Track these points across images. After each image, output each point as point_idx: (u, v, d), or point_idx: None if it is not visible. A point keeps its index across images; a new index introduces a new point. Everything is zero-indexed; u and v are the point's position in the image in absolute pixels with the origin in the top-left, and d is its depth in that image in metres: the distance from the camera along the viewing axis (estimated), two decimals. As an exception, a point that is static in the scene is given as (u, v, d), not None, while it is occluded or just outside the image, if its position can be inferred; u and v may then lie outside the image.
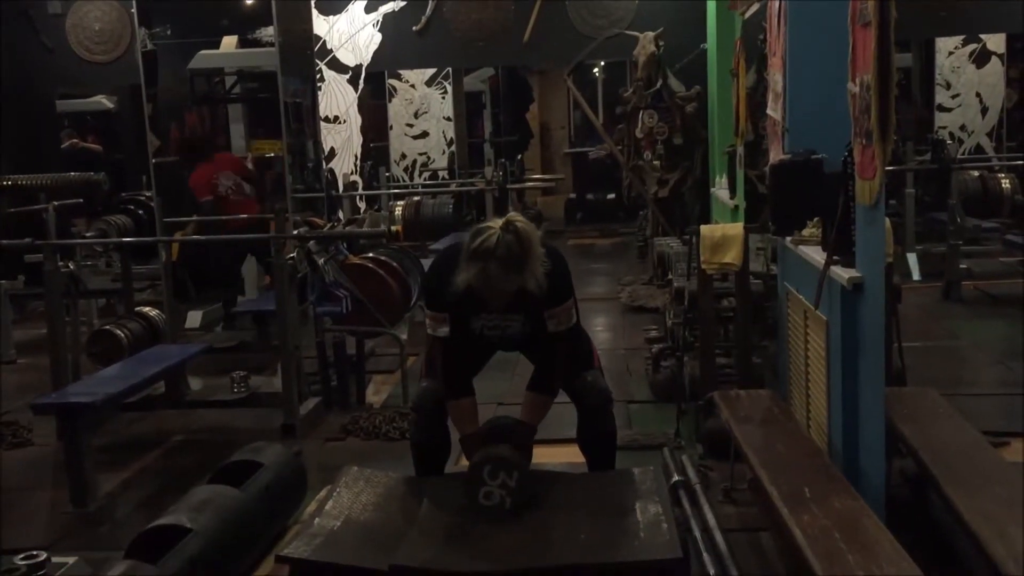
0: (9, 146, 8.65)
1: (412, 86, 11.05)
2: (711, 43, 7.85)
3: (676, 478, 3.42)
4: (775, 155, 3.99)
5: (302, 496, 3.64)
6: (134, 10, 7.02)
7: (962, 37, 9.57)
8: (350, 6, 9.42)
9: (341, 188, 8.70)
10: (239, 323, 6.84)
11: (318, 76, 8.54)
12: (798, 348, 3.70)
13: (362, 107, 9.55)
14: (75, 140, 11.07)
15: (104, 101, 12.47)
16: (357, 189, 9.21)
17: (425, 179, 10.96)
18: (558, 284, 3.14)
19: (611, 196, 12.17)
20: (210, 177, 6.74)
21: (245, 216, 6.68)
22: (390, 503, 3.12)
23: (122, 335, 5.26)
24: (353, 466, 3.39)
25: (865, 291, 2.87)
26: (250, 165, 7.43)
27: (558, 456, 3.91)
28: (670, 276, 5.48)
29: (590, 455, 3.39)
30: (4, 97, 9.04)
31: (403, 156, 11.14)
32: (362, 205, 9.27)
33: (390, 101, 11.06)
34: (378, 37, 9.50)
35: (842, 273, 2.94)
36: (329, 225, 6.16)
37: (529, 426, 3.22)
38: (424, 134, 11.13)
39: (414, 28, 9.44)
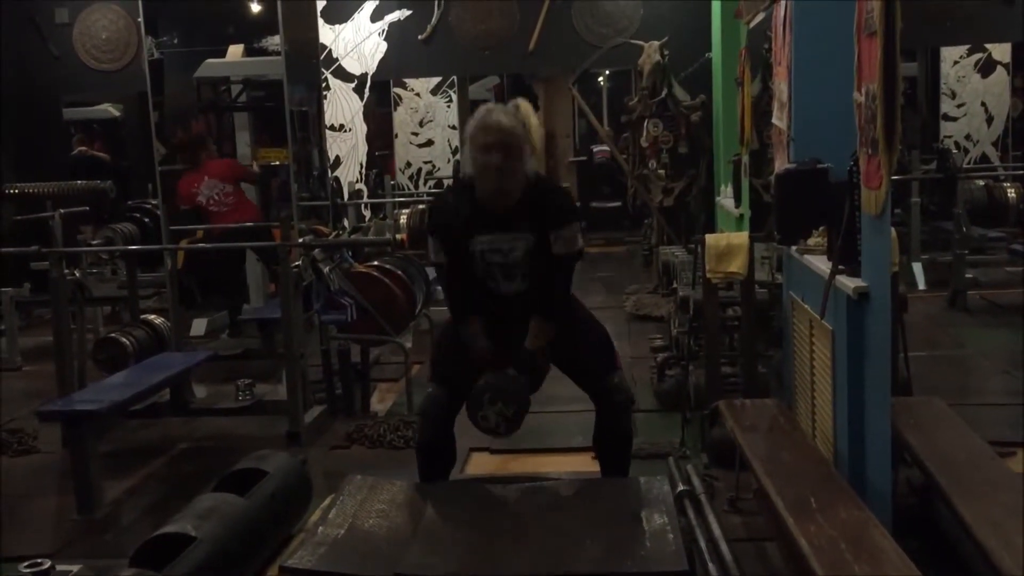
0: (16, 153, 8.67)
1: (417, 95, 11.07)
2: (716, 52, 7.86)
3: (681, 488, 3.41)
4: (780, 164, 3.99)
5: (307, 504, 3.64)
6: (141, 19, 7.06)
7: (967, 47, 9.58)
8: (356, 15, 9.44)
9: (346, 196, 8.72)
10: (244, 330, 6.84)
11: (324, 85, 8.56)
12: (803, 357, 3.69)
13: (367, 115, 9.57)
14: (83, 148, 11.11)
15: (110, 109, 12.52)
16: (362, 197, 9.23)
17: (430, 187, 10.97)
18: (562, 203, 3.23)
19: (616, 204, 12.16)
20: (191, 186, 6.71)
21: (221, 226, 6.59)
22: (394, 512, 3.12)
23: (128, 342, 5.27)
24: (357, 475, 3.39)
25: (871, 301, 2.87)
26: (255, 167, 7.39)
27: (566, 465, 3.91)
28: (675, 285, 5.48)
29: (606, 457, 3.42)
30: (11, 104, 9.07)
31: (408, 164, 11.15)
32: (367, 213, 9.29)
33: (395, 109, 11.08)
34: (384, 46, 9.52)
35: (848, 283, 2.94)
36: (334, 233, 6.17)
37: (532, 352, 3.25)
38: (429, 142, 11.15)
39: (419, 37, 9.46)
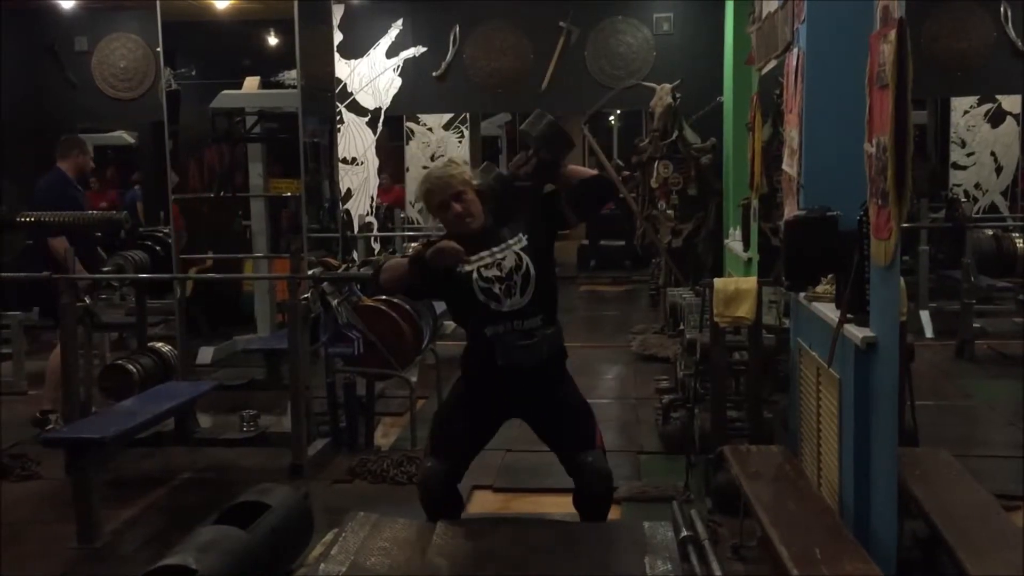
0: (32, 178, 8.75)
1: (430, 129, 11.16)
2: (727, 96, 7.93)
3: (685, 533, 3.39)
4: (790, 211, 4.00)
5: (308, 539, 3.62)
6: (160, 50, 7.15)
7: (977, 97, 9.64)
8: (372, 51, 9.56)
9: (356, 229, 8.76)
10: (250, 360, 6.86)
11: (338, 118, 8.64)
12: (810, 404, 3.68)
13: (380, 149, 9.65)
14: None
15: (125, 136, 12.65)
16: (372, 230, 9.27)
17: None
18: (542, 173, 3.24)
19: (622, 244, 12.18)
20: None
21: None
22: (396, 550, 3.10)
23: (134, 370, 5.27)
24: (360, 511, 3.37)
25: (879, 351, 2.87)
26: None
27: (568, 506, 3.87)
28: (682, 327, 5.47)
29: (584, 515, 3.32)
30: (27, 131, 9.17)
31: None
32: (376, 246, 9.33)
33: (407, 143, 11.16)
34: (398, 81, 9.63)
35: (856, 332, 2.94)
36: (344, 266, 6.19)
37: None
38: (440, 177, 11.21)
39: (434, 74, 9.57)
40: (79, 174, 5.74)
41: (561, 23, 9.51)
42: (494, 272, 3.15)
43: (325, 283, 5.13)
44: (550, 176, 3.27)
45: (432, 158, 11.19)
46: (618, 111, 13.37)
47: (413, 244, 9.15)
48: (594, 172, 3.33)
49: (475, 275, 3.15)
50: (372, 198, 9.61)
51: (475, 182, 3.24)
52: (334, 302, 5.08)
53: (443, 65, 9.60)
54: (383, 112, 9.72)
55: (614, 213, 11.47)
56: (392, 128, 10.67)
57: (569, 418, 3.27)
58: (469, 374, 3.35)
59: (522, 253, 3.17)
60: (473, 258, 3.16)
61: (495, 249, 3.18)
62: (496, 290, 3.15)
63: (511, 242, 3.19)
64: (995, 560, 2.64)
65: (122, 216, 4.78)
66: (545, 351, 3.19)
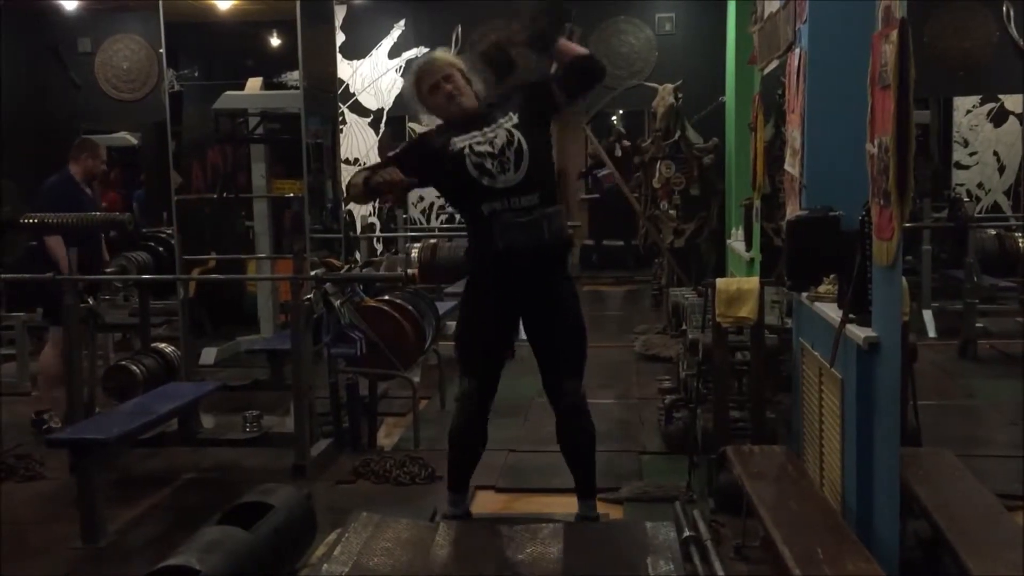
0: (34, 180, 8.76)
1: (432, 129, 11.15)
2: (730, 96, 7.92)
3: (687, 533, 3.39)
4: (792, 211, 4.01)
5: (311, 539, 3.62)
6: (163, 50, 7.17)
7: (980, 96, 9.63)
8: (374, 51, 9.57)
9: (359, 230, 8.77)
10: (253, 361, 6.86)
11: (340, 119, 8.65)
12: (812, 405, 3.68)
13: (382, 150, 9.66)
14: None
15: (128, 137, 12.66)
16: (375, 231, 9.28)
17: (442, 222, 11.02)
18: (536, 43, 3.32)
19: (625, 243, 12.17)
20: None
21: None
22: (399, 551, 3.11)
23: (138, 371, 5.28)
24: (363, 511, 3.38)
25: (881, 351, 2.87)
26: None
27: (571, 506, 3.88)
28: (684, 327, 5.47)
29: (567, 455, 3.54)
30: (30, 132, 9.19)
31: (420, 198, 11.22)
32: (379, 247, 9.33)
33: (410, 144, 11.17)
34: (400, 82, 9.63)
35: (858, 332, 2.94)
36: (346, 267, 6.20)
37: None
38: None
39: (436, 74, 9.53)
40: (87, 177, 5.74)
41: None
42: (486, 148, 3.23)
43: (328, 284, 5.13)
44: (545, 47, 3.31)
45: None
46: (620, 111, 13.36)
47: (416, 246, 9.23)
48: (586, 51, 3.37)
49: (467, 151, 3.23)
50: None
51: (465, 66, 3.36)
52: (337, 303, 5.09)
53: (445, 65, 9.60)
54: (385, 113, 9.74)
55: (618, 213, 11.47)
56: (394, 129, 10.68)
57: (563, 338, 3.39)
58: (473, 268, 3.45)
59: (513, 130, 3.25)
60: (464, 136, 3.25)
61: (486, 128, 3.26)
62: (488, 165, 3.21)
63: (502, 120, 3.27)
64: (998, 560, 2.64)
65: (125, 217, 4.78)
66: (545, 231, 3.22)
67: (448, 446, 3.57)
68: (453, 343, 3.70)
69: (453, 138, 3.28)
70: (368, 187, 3.24)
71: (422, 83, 3.34)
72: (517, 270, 3.26)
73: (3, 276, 6.18)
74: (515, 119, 3.26)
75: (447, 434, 3.60)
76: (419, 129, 11.09)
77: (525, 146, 3.21)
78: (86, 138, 5.95)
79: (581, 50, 3.37)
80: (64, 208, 5.26)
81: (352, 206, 8.84)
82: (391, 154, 3.43)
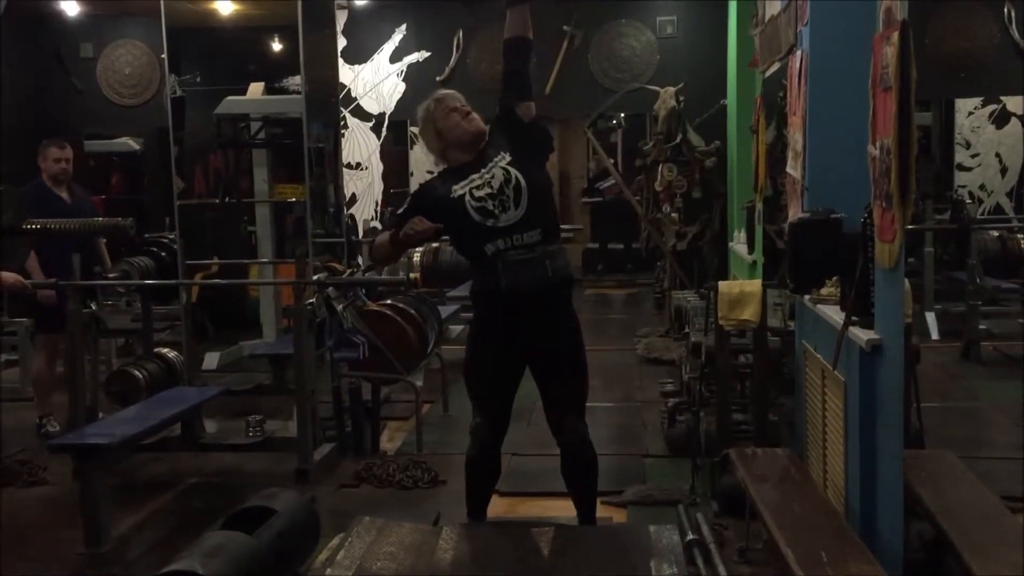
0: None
1: (434, 134, 11.16)
2: (731, 99, 7.93)
3: (691, 536, 3.39)
4: (794, 213, 4.00)
5: (314, 543, 3.62)
6: (165, 56, 7.18)
7: (982, 98, 9.63)
8: (376, 56, 9.58)
9: (361, 234, 8.77)
10: (256, 366, 6.86)
11: (342, 123, 8.66)
12: (815, 407, 3.68)
13: (384, 154, 9.67)
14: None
15: (130, 142, 12.67)
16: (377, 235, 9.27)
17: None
18: (519, 118, 3.44)
19: (627, 246, 12.18)
20: None
21: None
22: (402, 555, 3.11)
23: (140, 376, 5.29)
24: (366, 516, 3.38)
25: (884, 354, 2.87)
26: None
27: (574, 510, 3.88)
28: (687, 330, 5.47)
29: (571, 489, 3.58)
30: (32, 137, 9.18)
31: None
32: (381, 251, 9.32)
33: (412, 148, 11.18)
34: (402, 86, 9.65)
35: (860, 335, 2.94)
36: (349, 271, 6.20)
37: None
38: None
39: (438, 78, 9.58)
40: (54, 180, 5.70)
41: (564, 27, 9.53)
42: (486, 191, 3.28)
43: (330, 288, 5.14)
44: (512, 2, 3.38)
45: (436, 163, 11.21)
46: (622, 115, 13.38)
47: (418, 250, 9.23)
48: (527, 28, 3.41)
49: (467, 197, 3.28)
50: (377, 203, 9.63)
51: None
52: (339, 307, 5.09)
53: (447, 69, 9.62)
54: (387, 117, 9.75)
55: (620, 216, 11.48)
56: (396, 133, 10.69)
57: (567, 376, 3.44)
58: (478, 307, 3.49)
59: (509, 167, 3.31)
60: (463, 182, 3.30)
61: (483, 170, 3.32)
62: (490, 206, 3.26)
63: (496, 160, 3.33)
64: (1001, 562, 2.64)
65: (127, 223, 4.78)
66: (549, 269, 3.27)
67: (464, 475, 3.65)
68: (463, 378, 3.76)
69: (452, 186, 3.36)
70: (398, 243, 3.30)
71: (445, 103, 3.46)
72: (522, 308, 3.32)
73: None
74: (508, 157, 3.34)
75: (463, 465, 3.66)
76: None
77: (523, 182, 3.28)
78: (46, 140, 5.91)
79: (525, 21, 3.42)
80: (34, 215, 5.22)
81: (355, 210, 8.85)
82: (398, 212, 3.49)
